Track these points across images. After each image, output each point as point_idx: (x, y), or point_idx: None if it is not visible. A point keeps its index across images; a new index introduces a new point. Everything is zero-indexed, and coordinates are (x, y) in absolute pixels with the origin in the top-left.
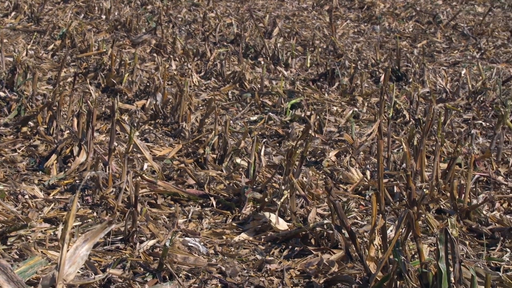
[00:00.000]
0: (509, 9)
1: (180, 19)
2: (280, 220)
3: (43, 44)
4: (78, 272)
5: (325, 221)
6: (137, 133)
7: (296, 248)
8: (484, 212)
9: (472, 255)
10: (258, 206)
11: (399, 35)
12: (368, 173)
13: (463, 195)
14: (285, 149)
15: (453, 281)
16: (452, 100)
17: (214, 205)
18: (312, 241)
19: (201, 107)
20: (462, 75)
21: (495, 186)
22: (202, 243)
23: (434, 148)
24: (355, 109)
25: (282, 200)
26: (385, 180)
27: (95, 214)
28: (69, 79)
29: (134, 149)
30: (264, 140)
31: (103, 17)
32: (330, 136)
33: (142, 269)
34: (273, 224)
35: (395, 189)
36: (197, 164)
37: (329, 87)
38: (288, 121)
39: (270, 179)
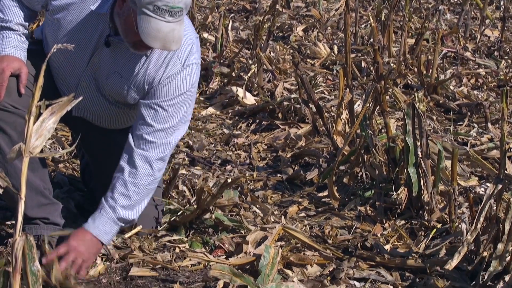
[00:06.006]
0: None
1: None
2: (248, 94)
3: None
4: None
5: (293, 96)
6: None
7: (263, 122)
8: (452, 88)
9: (439, 130)
10: (225, 81)
11: None
12: (335, 48)
13: (430, 70)
14: (252, 24)
15: (420, 156)
16: None
17: None
18: (279, 115)
19: None
20: None
21: (462, 62)
22: None
23: (401, 23)
24: None
25: (249, 74)
26: (352, 55)
27: None
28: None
29: None
30: (232, 15)
31: None
32: (297, 11)
33: None
34: (240, 99)
35: (363, 64)
36: None
37: None
38: None
39: (237, 54)
